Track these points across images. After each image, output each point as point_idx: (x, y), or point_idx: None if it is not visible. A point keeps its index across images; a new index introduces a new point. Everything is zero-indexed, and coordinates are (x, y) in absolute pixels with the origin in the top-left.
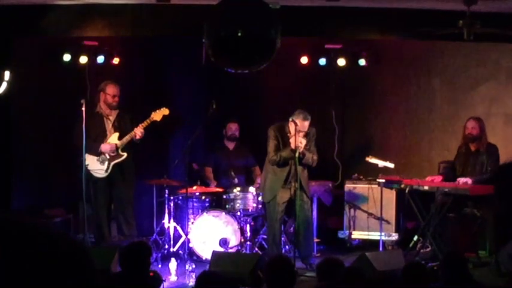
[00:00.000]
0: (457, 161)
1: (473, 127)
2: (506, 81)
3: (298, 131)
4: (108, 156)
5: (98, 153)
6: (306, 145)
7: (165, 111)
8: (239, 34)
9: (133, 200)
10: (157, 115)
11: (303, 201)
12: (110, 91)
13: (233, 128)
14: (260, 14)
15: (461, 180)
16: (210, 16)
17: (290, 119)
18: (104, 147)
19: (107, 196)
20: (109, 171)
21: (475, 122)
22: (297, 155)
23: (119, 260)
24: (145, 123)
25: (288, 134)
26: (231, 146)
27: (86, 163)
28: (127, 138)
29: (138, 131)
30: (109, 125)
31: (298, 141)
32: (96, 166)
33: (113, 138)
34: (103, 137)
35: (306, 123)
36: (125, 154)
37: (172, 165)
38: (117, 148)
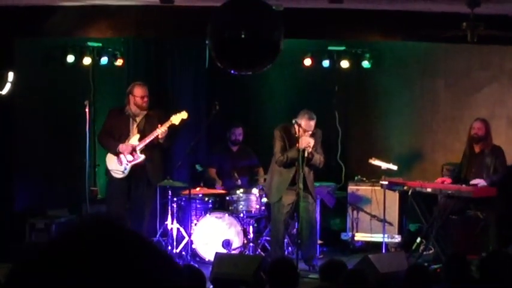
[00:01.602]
0: (462, 162)
1: (479, 128)
2: (510, 84)
3: (305, 130)
4: (126, 157)
5: (116, 153)
6: (313, 146)
7: (183, 115)
8: (242, 36)
9: (151, 204)
10: (176, 119)
11: (308, 203)
12: (138, 93)
13: (237, 132)
14: (263, 16)
15: (476, 181)
16: (214, 18)
17: (294, 121)
18: (122, 147)
19: (125, 196)
20: (127, 172)
21: (481, 123)
22: (306, 155)
23: None
24: (166, 125)
25: (296, 135)
26: (234, 148)
27: (107, 162)
28: (145, 140)
29: (160, 130)
30: (133, 126)
31: (306, 141)
32: (115, 166)
33: (133, 140)
34: (126, 137)
35: (312, 123)
36: (143, 156)
37: (176, 167)
38: (134, 149)
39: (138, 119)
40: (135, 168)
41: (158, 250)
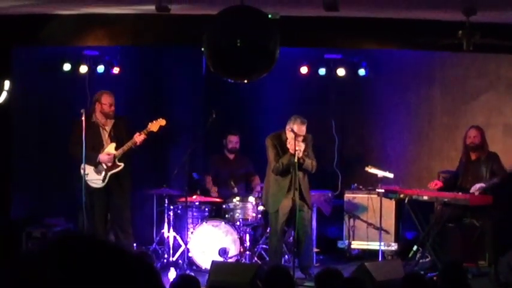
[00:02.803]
0: (459, 170)
1: (475, 136)
2: (506, 92)
3: (297, 135)
4: (105, 167)
5: (95, 164)
6: (304, 150)
7: (161, 121)
8: (238, 44)
9: (130, 209)
10: (154, 126)
11: (303, 211)
12: (106, 100)
13: (234, 140)
14: (259, 25)
15: (476, 186)
16: (210, 26)
17: (287, 126)
18: (103, 157)
19: (104, 206)
20: (106, 181)
21: (476, 131)
22: (295, 159)
23: None
24: (144, 132)
25: (287, 141)
26: (231, 156)
27: (83, 173)
28: (124, 148)
29: (139, 138)
30: (105, 135)
31: (297, 145)
32: (93, 176)
33: (110, 149)
34: (100, 147)
35: (303, 127)
36: (122, 164)
37: (172, 175)
38: (114, 158)
39: (108, 128)
40: (113, 177)
41: (128, 256)
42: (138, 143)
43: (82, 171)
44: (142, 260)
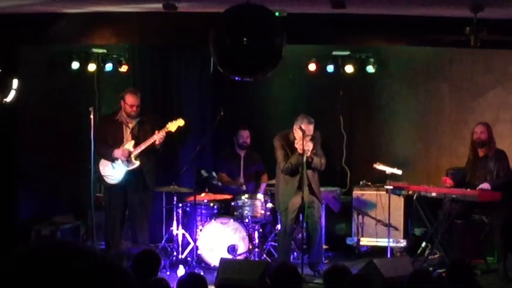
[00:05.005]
0: (467, 167)
1: (482, 132)
2: None
3: (304, 135)
4: (121, 163)
5: (112, 159)
6: (312, 149)
7: (180, 122)
8: (245, 42)
9: (150, 208)
10: (173, 126)
11: (314, 208)
12: (128, 101)
13: (244, 135)
14: (266, 22)
15: (481, 186)
16: (216, 24)
17: (294, 126)
18: (117, 152)
19: (122, 202)
20: (121, 178)
21: (483, 127)
22: (304, 159)
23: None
24: (163, 131)
25: (295, 141)
26: (241, 153)
27: (100, 169)
28: (141, 146)
29: (158, 136)
30: (127, 133)
31: (305, 145)
32: (109, 172)
33: (128, 146)
34: (120, 144)
35: (311, 127)
36: (138, 162)
37: (181, 173)
38: (130, 155)
39: (131, 125)
40: (131, 175)
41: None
42: (157, 142)
43: (101, 168)
44: (121, 272)
